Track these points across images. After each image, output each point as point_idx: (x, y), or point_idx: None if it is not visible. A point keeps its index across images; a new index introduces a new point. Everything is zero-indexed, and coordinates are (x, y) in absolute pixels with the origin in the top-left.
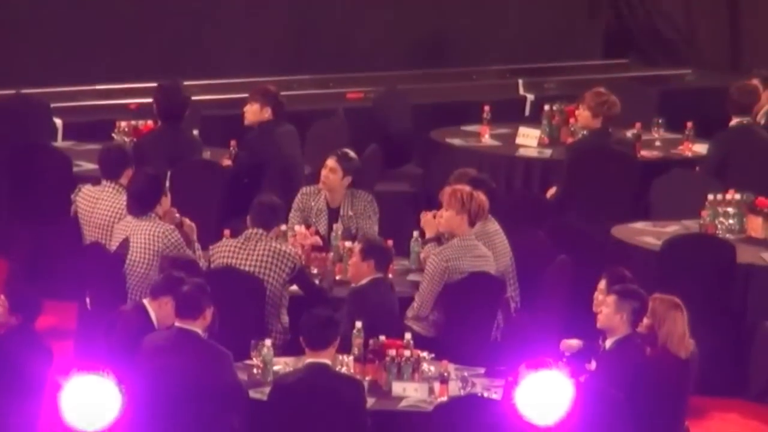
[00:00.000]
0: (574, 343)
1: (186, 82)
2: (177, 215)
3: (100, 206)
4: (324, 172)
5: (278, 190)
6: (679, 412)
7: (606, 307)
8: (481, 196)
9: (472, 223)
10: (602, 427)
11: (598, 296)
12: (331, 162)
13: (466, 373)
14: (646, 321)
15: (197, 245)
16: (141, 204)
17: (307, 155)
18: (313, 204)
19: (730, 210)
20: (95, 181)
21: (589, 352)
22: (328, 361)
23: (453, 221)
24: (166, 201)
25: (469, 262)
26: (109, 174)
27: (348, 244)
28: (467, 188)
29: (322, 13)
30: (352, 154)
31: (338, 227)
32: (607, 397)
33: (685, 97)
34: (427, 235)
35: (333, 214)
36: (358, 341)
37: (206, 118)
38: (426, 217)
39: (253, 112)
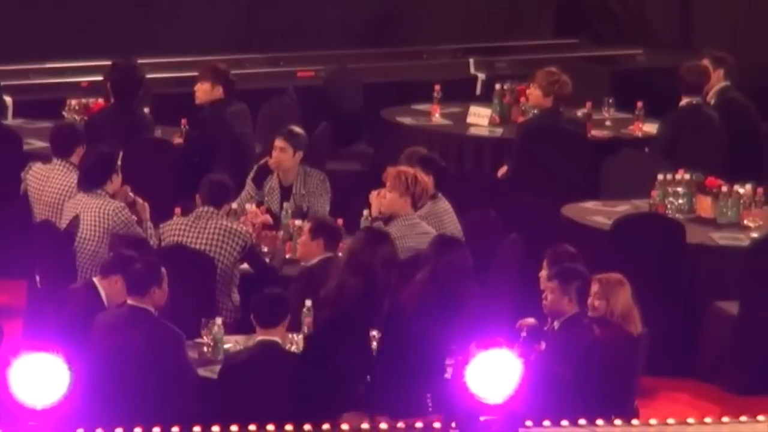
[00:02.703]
0: (531, 321)
1: (137, 60)
2: (130, 194)
3: (50, 184)
4: (275, 154)
5: (229, 169)
6: (628, 392)
7: (550, 293)
8: (426, 179)
9: (414, 206)
10: (551, 406)
11: (545, 275)
12: (279, 142)
13: None
14: (597, 303)
15: (149, 224)
16: (91, 179)
17: (258, 134)
18: (266, 181)
19: (680, 190)
20: (46, 159)
21: (540, 333)
22: (278, 339)
23: (396, 203)
24: (117, 179)
25: (413, 239)
26: (60, 152)
27: (298, 222)
28: (411, 171)
29: None
30: (297, 129)
31: (288, 206)
32: (555, 376)
33: (636, 76)
34: (373, 214)
35: (285, 192)
36: (308, 320)
37: (157, 96)
38: (374, 196)
39: (204, 91)
